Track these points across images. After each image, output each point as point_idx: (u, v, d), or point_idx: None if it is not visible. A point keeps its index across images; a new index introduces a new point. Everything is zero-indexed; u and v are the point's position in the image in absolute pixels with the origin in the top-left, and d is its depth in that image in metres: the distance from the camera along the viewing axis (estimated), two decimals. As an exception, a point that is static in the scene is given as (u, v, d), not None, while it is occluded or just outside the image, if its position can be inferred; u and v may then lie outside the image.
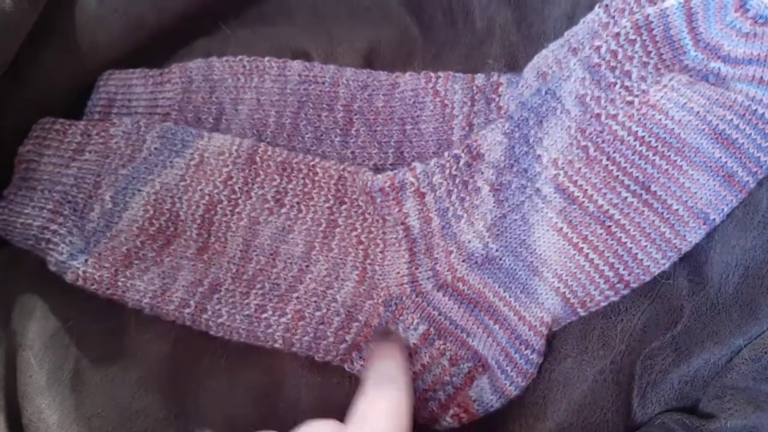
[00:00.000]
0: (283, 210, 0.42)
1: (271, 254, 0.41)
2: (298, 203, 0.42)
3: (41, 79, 0.45)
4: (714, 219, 0.38)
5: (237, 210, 0.42)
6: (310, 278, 0.41)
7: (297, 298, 0.41)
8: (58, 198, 0.42)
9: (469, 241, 0.40)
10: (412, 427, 0.34)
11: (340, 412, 0.41)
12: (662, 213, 0.38)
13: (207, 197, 0.42)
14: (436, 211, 0.41)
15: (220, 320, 0.40)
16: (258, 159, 0.42)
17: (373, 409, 0.34)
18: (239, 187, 0.42)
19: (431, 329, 0.40)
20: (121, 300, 0.41)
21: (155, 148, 0.43)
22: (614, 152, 0.39)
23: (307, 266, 0.41)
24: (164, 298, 0.41)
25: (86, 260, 0.41)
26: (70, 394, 0.41)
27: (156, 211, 0.42)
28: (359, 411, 0.34)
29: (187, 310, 0.40)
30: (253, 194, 0.42)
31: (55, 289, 0.42)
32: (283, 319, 0.40)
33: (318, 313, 0.40)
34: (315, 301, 0.41)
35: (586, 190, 0.39)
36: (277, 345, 0.40)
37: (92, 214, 0.42)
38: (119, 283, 0.41)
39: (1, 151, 0.43)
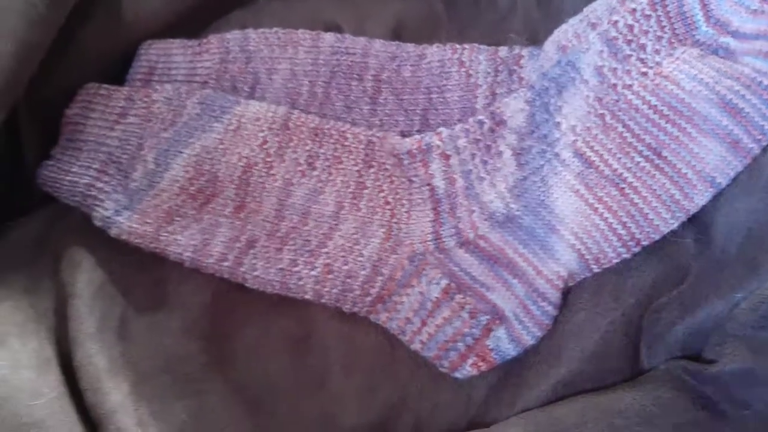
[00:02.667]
0: (315, 172, 0.44)
1: (303, 213, 0.43)
2: (328, 166, 0.44)
3: (86, 47, 0.46)
4: (720, 182, 0.40)
5: (272, 172, 0.44)
6: (339, 235, 0.43)
7: (326, 253, 0.42)
8: (103, 158, 0.44)
9: (491, 202, 0.42)
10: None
11: (367, 360, 0.44)
12: (672, 176, 0.40)
13: (244, 160, 0.43)
14: (460, 172, 0.42)
15: (255, 273, 0.42)
16: (292, 125, 0.44)
17: None
18: (274, 151, 0.44)
19: (452, 284, 0.42)
20: (163, 254, 0.42)
21: (195, 114, 0.44)
22: (629, 120, 0.40)
23: (336, 224, 0.43)
24: (204, 252, 0.42)
25: (130, 216, 0.43)
26: (117, 340, 0.41)
27: (196, 171, 0.43)
28: None
29: (225, 264, 0.42)
30: (287, 158, 0.44)
31: (100, 243, 0.43)
32: (313, 273, 0.42)
33: (345, 267, 0.42)
34: (343, 257, 0.42)
35: (602, 154, 0.41)
36: (307, 296, 0.42)
37: (136, 173, 0.44)
38: (161, 238, 0.42)
39: (49, 112, 0.44)
